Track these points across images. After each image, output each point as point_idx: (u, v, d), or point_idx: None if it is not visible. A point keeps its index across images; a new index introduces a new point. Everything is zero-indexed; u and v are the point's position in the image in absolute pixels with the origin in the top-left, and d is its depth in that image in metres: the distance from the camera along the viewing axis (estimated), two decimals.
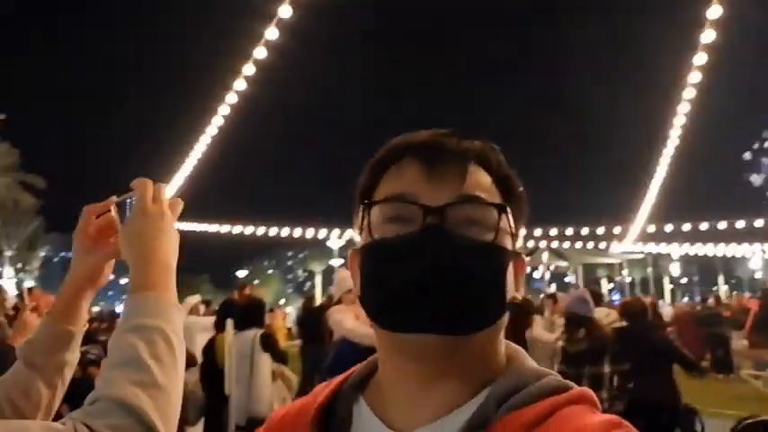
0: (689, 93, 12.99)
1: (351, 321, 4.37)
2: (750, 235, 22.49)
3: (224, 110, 14.67)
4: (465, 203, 0.72)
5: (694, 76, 12.45)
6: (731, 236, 22.06)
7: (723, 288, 39.22)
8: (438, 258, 0.68)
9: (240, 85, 13.80)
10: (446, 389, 0.71)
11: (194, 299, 8.25)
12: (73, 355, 1.09)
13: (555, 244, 24.00)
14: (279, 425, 0.81)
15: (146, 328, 0.88)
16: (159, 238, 0.98)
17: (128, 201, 1.07)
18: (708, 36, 11.12)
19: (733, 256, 32.75)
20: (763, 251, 27.10)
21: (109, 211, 1.07)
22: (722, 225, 20.06)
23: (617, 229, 21.02)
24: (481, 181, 0.75)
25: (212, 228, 21.25)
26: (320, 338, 9.81)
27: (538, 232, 20.66)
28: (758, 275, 43.76)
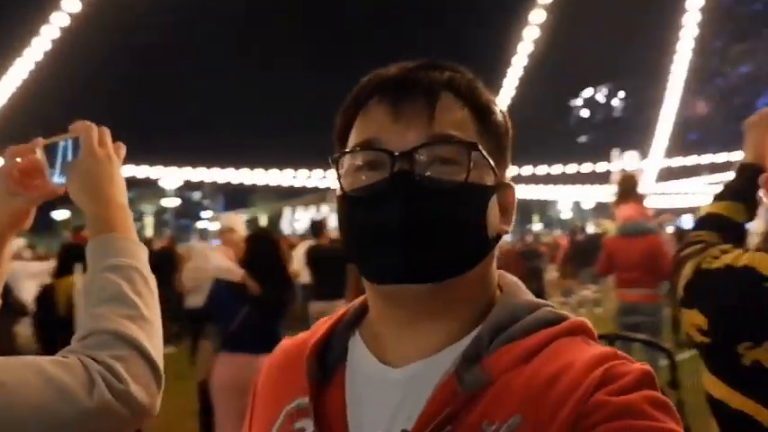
0: (524, 47, 13.85)
1: (217, 259, 4.36)
2: (561, 179, 25.12)
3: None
4: (433, 144, 0.69)
5: (531, 31, 13.31)
6: (546, 179, 24.41)
7: (538, 227, 43.63)
8: (407, 205, 0.66)
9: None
10: (436, 328, 0.71)
11: (18, 242, 7.52)
12: None
13: None
14: (281, 358, 0.83)
15: (122, 267, 0.92)
16: (112, 181, 1.00)
17: (61, 144, 1.03)
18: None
19: (546, 199, 36.31)
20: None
21: (33, 152, 1.03)
22: (541, 170, 22.09)
23: None
24: (451, 115, 0.71)
25: None
26: (164, 281, 9.50)
27: None
28: (564, 216, 49.45)
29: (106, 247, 0.94)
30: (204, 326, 6.66)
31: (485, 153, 0.71)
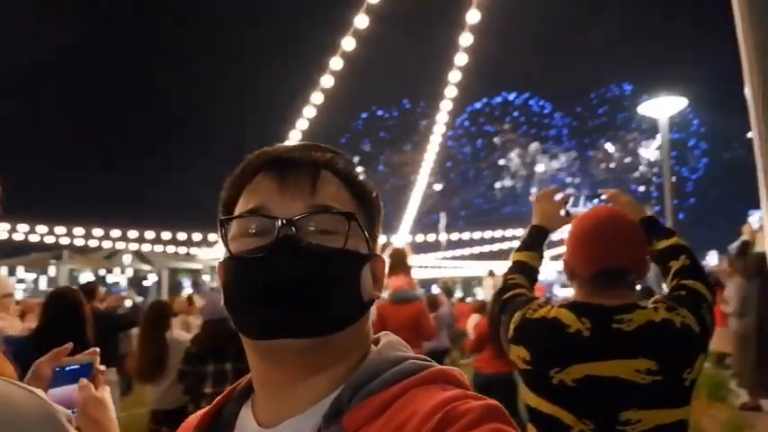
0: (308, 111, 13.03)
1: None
2: None
3: None
4: (315, 214, 0.75)
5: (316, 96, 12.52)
6: None
7: None
8: (288, 267, 0.72)
9: None
10: (308, 385, 0.75)
11: None
12: None
13: (143, 246, 23.62)
14: (184, 429, 0.87)
15: None
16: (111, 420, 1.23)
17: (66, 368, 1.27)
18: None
19: None
20: None
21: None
22: None
23: (212, 237, 22.02)
24: (332, 190, 0.78)
25: None
26: None
27: (116, 233, 19.77)
28: None
29: None
30: None
31: (361, 224, 0.78)
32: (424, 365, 0.75)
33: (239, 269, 0.75)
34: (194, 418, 0.86)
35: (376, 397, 0.70)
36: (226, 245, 0.78)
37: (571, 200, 2.10)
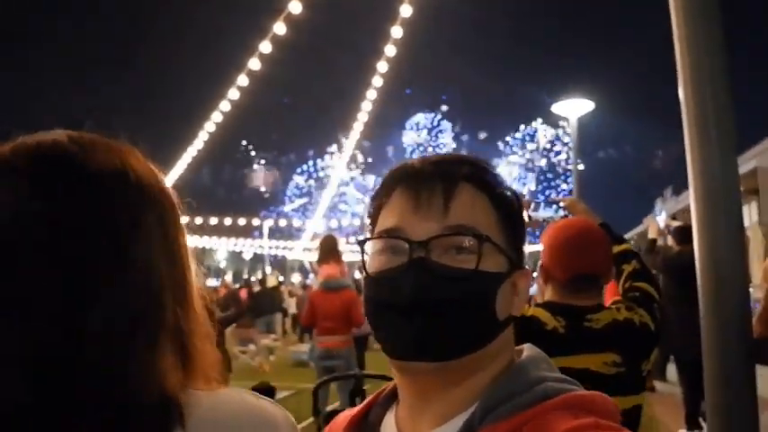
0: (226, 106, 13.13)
1: None
2: (218, 230, 25.83)
3: None
4: (447, 235, 0.74)
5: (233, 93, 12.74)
6: (204, 230, 24.74)
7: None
8: (419, 289, 0.72)
9: None
10: (442, 400, 0.75)
11: None
12: None
13: None
14: (333, 429, 0.88)
15: None
16: None
17: None
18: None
19: (204, 248, 36.56)
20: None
21: None
22: (198, 220, 22.29)
23: None
24: (468, 206, 0.76)
25: None
26: None
27: None
28: (222, 265, 50.42)
29: None
30: None
31: (497, 242, 0.76)
32: (559, 390, 0.72)
33: (373, 288, 0.77)
34: (343, 418, 0.88)
35: (505, 422, 0.70)
36: (364, 265, 0.79)
37: (532, 205, 2.31)
